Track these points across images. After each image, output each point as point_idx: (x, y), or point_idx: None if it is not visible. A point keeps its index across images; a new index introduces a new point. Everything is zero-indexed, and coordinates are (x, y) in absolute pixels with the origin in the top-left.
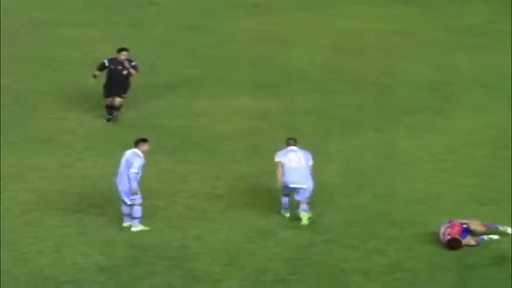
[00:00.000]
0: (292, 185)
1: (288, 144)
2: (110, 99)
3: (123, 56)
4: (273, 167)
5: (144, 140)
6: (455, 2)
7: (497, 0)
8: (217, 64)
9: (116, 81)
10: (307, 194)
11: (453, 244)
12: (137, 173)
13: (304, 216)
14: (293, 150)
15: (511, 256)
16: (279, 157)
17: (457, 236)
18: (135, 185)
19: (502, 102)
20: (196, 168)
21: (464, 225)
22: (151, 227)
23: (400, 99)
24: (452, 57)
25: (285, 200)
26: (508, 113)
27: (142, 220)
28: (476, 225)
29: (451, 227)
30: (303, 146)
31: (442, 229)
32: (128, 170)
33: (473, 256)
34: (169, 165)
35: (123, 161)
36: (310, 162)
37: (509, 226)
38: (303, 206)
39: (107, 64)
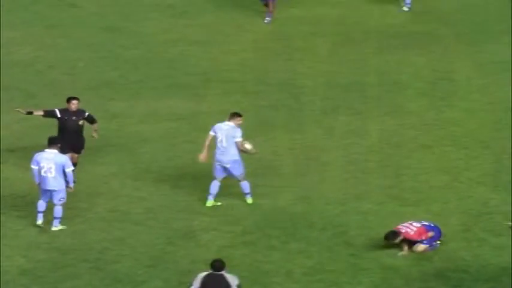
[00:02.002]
0: (219, 164)
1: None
2: (69, 155)
3: (74, 105)
4: (194, 169)
5: (58, 139)
6: (373, 2)
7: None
8: (136, 65)
9: (72, 134)
10: (237, 172)
11: (390, 235)
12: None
13: (249, 200)
14: (220, 129)
15: (433, 256)
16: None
17: (401, 233)
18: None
19: (418, 103)
20: (117, 169)
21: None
22: (73, 229)
23: (319, 100)
24: (369, 58)
25: (215, 183)
26: (424, 113)
27: (64, 222)
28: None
29: (420, 230)
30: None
31: (408, 224)
32: (62, 170)
33: (394, 257)
34: (90, 167)
35: (49, 164)
36: (237, 140)
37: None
38: (244, 186)
39: (58, 115)
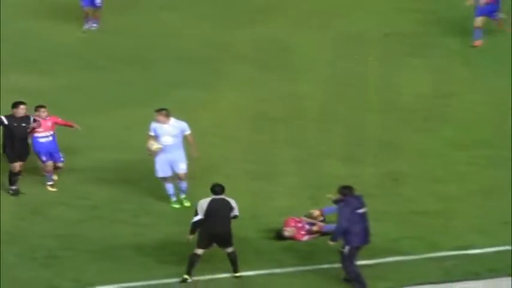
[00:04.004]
0: None
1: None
2: (18, 164)
3: (22, 110)
4: None
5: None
6: None
7: None
8: None
9: (20, 141)
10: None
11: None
12: None
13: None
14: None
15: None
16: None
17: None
18: None
19: (269, 76)
20: None
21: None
22: None
23: (166, 74)
24: (217, 32)
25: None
26: (275, 87)
27: None
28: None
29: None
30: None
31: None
32: None
33: (246, 229)
34: None
35: None
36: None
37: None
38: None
39: (5, 122)
